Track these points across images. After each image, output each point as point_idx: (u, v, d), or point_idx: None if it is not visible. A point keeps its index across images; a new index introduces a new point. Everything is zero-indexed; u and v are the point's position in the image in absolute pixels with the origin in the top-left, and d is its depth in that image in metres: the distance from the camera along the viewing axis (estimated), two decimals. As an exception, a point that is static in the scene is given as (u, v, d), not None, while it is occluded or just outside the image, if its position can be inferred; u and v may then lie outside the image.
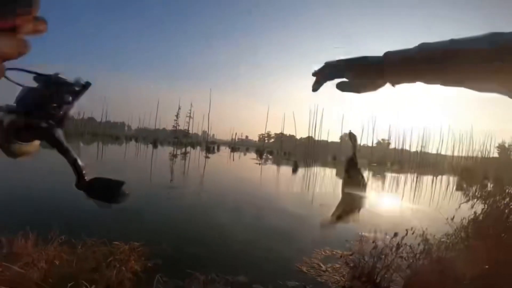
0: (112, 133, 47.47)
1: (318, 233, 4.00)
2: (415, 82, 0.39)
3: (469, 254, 2.53)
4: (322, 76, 0.47)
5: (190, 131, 41.74)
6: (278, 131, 51.76)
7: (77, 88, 0.30)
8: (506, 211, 3.05)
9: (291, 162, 18.98)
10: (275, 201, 6.65)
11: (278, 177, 12.78)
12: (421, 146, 42.43)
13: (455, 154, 44.27)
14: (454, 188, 13.32)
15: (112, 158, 15.47)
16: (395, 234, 2.63)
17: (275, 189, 8.94)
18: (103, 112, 47.46)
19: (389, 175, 19.03)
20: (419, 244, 2.72)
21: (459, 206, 4.01)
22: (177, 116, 38.89)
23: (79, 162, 0.31)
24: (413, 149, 43.40)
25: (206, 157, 20.32)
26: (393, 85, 0.41)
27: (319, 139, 43.69)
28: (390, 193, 10.93)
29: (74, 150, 0.30)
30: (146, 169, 10.97)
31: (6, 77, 0.24)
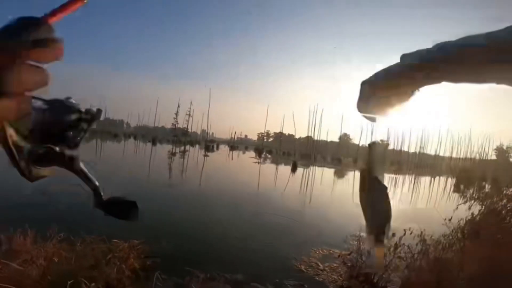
0: (111, 130, 47.41)
1: (314, 232, 4.01)
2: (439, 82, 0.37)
3: (466, 255, 2.55)
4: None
5: (190, 130, 41.71)
6: (278, 130, 51.79)
7: (89, 116, 0.32)
8: (503, 212, 3.08)
9: (290, 161, 19.00)
10: (272, 200, 6.66)
11: (277, 176, 12.79)
12: (420, 147, 42.56)
13: (454, 155, 44.46)
14: (452, 189, 13.38)
15: (110, 156, 15.44)
16: (393, 234, 2.65)
17: (273, 188, 8.95)
18: (102, 109, 47.19)
19: (387, 176, 19.04)
20: (417, 244, 2.74)
21: (457, 207, 4.04)
22: (176, 114, 38.88)
23: (97, 184, 0.35)
24: (412, 150, 43.53)
25: (205, 155, 20.30)
26: (418, 89, 0.38)
27: (318, 138, 43.73)
28: (388, 193, 10.94)
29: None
30: (145, 167, 10.97)
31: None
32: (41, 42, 0.20)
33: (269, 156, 29.94)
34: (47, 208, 3.96)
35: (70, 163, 0.31)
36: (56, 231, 2.33)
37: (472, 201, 4.11)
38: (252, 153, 31.22)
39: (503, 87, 0.36)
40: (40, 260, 2.04)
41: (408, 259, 2.58)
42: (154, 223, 3.77)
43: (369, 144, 0.46)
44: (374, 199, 0.43)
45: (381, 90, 0.38)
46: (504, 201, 3.31)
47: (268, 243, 3.41)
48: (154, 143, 28.63)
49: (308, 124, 42.48)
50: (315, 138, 42.81)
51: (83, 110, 0.32)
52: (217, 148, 34.04)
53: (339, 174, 17.74)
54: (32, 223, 2.40)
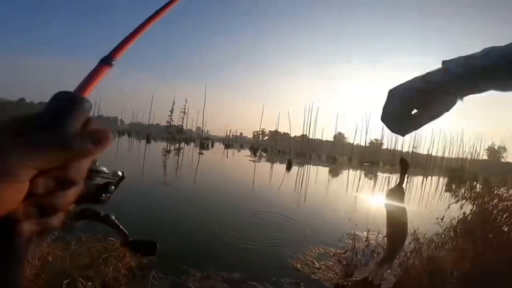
0: (104, 127, 46.66)
1: (310, 230, 4.05)
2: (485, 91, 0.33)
3: (458, 254, 2.60)
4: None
5: (184, 127, 41.47)
6: (273, 129, 51.92)
7: (115, 179, 0.37)
8: (494, 212, 3.14)
9: (285, 160, 19.06)
10: (267, 199, 6.69)
11: (272, 174, 12.83)
12: (413, 147, 43.10)
13: (446, 155, 45.16)
14: (444, 189, 13.60)
15: (103, 153, 15.26)
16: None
17: (268, 187, 8.98)
18: (96, 106, 46.74)
19: (381, 175, 19.28)
20: (410, 243, 2.79)
21: (449, 206, 4.11)
22: (171, 111, 38.59)
23: (126, 232, 0.50)
24: (405, 150, 44.05)
25: (200, 153, 20.23)
26: (461, 98, 0.34)
27: (313, 137, 43.93)
28: (382, 192, 11.10)
29: None
30: (139, 164, 10.88)
31: None
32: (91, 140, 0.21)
33: (264, 154, 29.98)
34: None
35: (104, 219, 0.41)
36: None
37: (464, 201, 4.19)
38: (247, 151, 31.21)
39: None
40: (34, 260, 2.01)
41: (401, 257, 2.62)
42: (149, 221, 3.76)
43: (401, 160, 0.43)
44: (397, 222, 0.42)
45: (418, 99, 0.34)
46: (495, 200, 3.39)
47: (263, 241, 3.43)
48: (148, 141, 28.39)
49: (303, 122, 42.70)
50: (310, 136, 43.05)
51: (110, 173, 0.36)
52: (212, 146, 33.94)
53: (334, 172, 17.87)
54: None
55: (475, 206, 3.77)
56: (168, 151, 18.40)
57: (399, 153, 43.20)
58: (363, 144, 44.94)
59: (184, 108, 39.50)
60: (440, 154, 46.31)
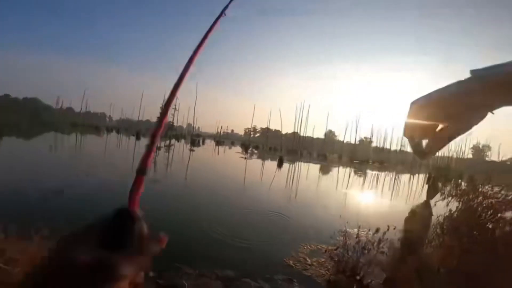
0: (92, 123, 45.80)
1: (301, 227, 4.09)
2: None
3: (445, 251, 2.68)
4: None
5: (175, 124, 40.96)
6: (264, 126, 51.93)
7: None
8: (479, 209, 3.25)
9: (277, 157, 19.14)
10: (258, 196, 6.71)
11: (263, 171, 12.86)
12: (401, 145, 43.96)
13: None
14: (429, 186, 13.96)
15: (91, 149, 14.96)
16: (377, 230, 2.75)
17: (260, 183, 9.01)
18: (83, 102, 45.58)
19: (370, 172, 19.62)
20: (398, 239, 2.87)
21: (435, 204, 4.23)
22: (161, 108, 38.02)
23: None
24: (393, 148, 44.94)
25: (191, 150, 20.07)
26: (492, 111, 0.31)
27: (304, 135, 44.23)
28: (371, 189, 11.30)
29: None
30: (128, 160, 10.71)
31: None
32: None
33: (256, 151, 30.00)
34: (28, 205, 3.81)
35: None
36: (38, 229, 2.25)
37: (450, 198, 4.32)
38: (238, 148, 31.16)
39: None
40: (23, 259, 1.96)
41: (390, 253, 2.69)
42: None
43: (428, 178, 0.36)
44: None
45: (443, 112, 0.31)
46: (480, 198, 3.50)
47: (255, 238, 3.45)
48: (138, 137, 27.94)
49: (295, 120, 42.97)
50: (301, 134, 43.32)
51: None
52: (203, 143, 33.72)
53: (325, 170, 18.07)
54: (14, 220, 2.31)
55: (460, 203, 3.90)
56: (158, 148, 18.15)
57: (387, 151, 44.04)
58: (353, 142, 45.59)
59: (175, 105, 38.99)
60: (427, 152, 47.38)
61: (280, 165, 15.50)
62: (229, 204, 5.30)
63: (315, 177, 13.81)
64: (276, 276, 2.48)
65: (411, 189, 13.17)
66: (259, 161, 18.21)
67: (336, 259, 2.75)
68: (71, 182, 5.57)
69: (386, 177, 17.55)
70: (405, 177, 19.66)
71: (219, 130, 50.79)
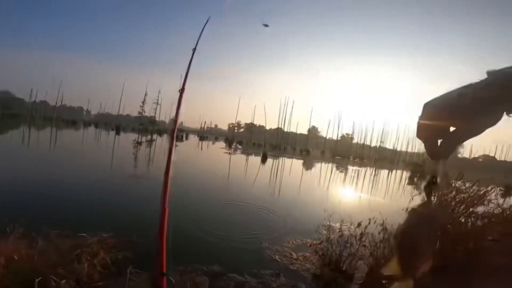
0: (68, 117, 43.74)
1: (285, 221, 4.15)
2: None
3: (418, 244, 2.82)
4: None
5: (157, 118, 40.00)
6: (249, 121, 51.87)
7: None
8: (453, 203, 3.44)
9: (260, 152, 19.22)
10: (243, 191, 6.73)
11: (247, 167, 12.89)
12: (380, 141, 45.46)
13: (409, 150, 48.20)
14: (406, 182, 14.61)
15: (67, 144, 14.32)
16: (359, 224, 2.84)
17: (243, 178, 9.03)
18: (58, 95, 43.21)
19: (351, 168, 20.18)
20: (379, 233, 2.97)
21: (412, 198, 4.43)
22: (143, 102, 36.91)
23: None
24: (373, 145, 46.38)
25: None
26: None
27: (288, 130, 44.63)
28: (352, 184, 11.65)
29: None
30: (108, 156, 10.36)
31: None
32: None
33: (240, 146, 29.95)
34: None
35: None
36: (15, 227, 2.14)
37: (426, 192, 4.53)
38: (222, 144, 30.98)
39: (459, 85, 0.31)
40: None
41: (372, 247, 2.79)
42: (121, 215, 3.63)
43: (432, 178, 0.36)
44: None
45: (458, 113, 0.30)
46: (453, 193, 3.71)
47: (240, 233, 3.46)
48: (117, 132, 27.05)
49: (279, 116, 43.13)
50: (285, 130, 43.68)
51: None
52: (187, 138, 33.20)
53: (308, 165, 18.39)
54: None
55: (435, 198, 4.11)
56: (139, 143, 17.68)
57: (368, 147, 45.42)
58: (335, 138, 46.58)
59: (157, 99, 38.03)
60: (404, 149, 49.41)
61: (264, 160, 15.59)
62: (213, 199, 5.28)
63: (298, 172, 14.02)
64: (262, 271, 2.51)
65: (389, 184, 13.70)
66: (243, 156, 18.21)
67: (321, 253, 2.82)
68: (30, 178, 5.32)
69: (366, 172, 18.14)
70: (384, 172, 20.40)
71: (202, 125, 50.21)
